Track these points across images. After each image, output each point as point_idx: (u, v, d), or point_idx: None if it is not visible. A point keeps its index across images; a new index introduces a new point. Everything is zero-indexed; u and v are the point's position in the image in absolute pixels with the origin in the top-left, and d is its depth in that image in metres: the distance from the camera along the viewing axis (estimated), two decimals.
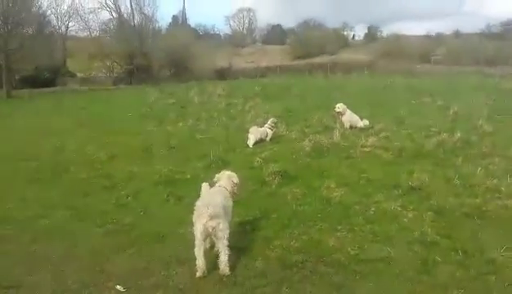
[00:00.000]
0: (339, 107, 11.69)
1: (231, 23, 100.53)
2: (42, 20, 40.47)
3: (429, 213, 5.49)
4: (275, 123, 10.81)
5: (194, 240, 4.24)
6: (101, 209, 6.27)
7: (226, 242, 4.20)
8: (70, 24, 52.77)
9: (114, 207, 6.36)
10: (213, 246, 4.44)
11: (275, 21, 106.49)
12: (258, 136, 10.28)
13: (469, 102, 15.35)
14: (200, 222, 4.18)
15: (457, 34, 73.11)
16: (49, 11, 49.00)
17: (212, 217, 4.15)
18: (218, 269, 4.21)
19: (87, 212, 6.16)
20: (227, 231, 4.24)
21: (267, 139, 10.50)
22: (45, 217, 6.00)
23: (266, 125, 10.71)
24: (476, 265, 4.22)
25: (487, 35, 64.67)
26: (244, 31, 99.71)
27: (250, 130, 10.37)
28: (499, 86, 21.55)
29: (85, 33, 49.62)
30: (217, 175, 5.06)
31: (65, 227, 5.66)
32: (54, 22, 51.30)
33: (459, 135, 9.40)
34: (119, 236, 5.28)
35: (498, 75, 29.76)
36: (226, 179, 4.94)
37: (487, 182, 6.50)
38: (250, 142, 10.09)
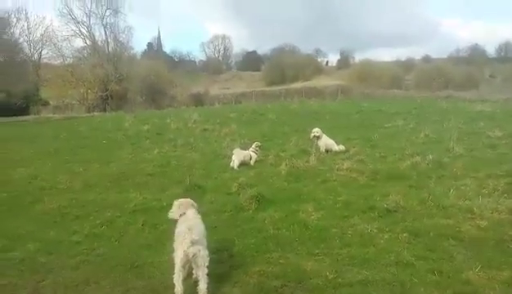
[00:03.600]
0: (317, 131, 11.85)
1: (207, 49, 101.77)
2: (13, 48, 39.99)
3: (405, 235, 5.55)
4: (259, 147, 10.85)
5: (172, 267, 4.16)
6: (74, 240, 6.08)
7: (206, 270, 4.12)
8: (43, 51, 52.38)
9: (86, 237, 6.18)
10: (190, 274, 4.36)
11: (250, 48, 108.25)
12: (242, 158, 10.33)
13: (439, 125, 15.79)
14: (181, 248, 4.10)
15: (427, 59, 75.69)
16: (21, 39, 48.69)
17: (193, 243, 4.08)
18: None
19: (59, 243, 5.97)
20: (207, 259, 4.17)
21: (251, 162, 10.53)
22: (14, 250, 5.77)
23: (250, 149, 10.75)
24: (452, 285, 4.25)
25: (455, 60, 67.22)
26: (220, 58, 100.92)
27: (234, 152, 10.42)
28: (468, 109, 22.27)
29: (58, 61, 49.19)
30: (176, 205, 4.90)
31: (35, 259, 5.45)
32: (26, 49, 50.90)
33: (431, 157, 9.59)
34: (92, 267, 5.12)
35: (467, 99, 30.83)
36: (189, 205, 4.85)
37: (460, 203, 6.64)
38: (235, 164, 10.13)
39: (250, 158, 10.58)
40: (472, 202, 6.63)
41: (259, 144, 10.99)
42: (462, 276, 4.41)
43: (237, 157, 10.28)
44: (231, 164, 10.24)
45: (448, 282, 4.33)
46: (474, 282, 4.26)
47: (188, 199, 4.96)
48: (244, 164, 10.39)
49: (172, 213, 4.81)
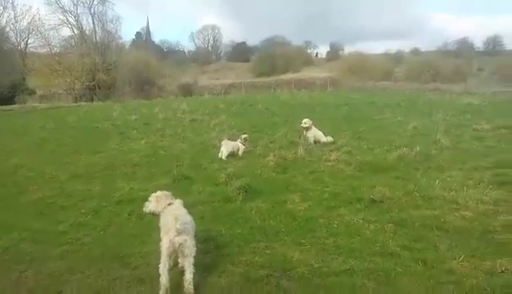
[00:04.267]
0: (306, 122, 11.86)
1: (196, 40, 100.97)
2: (0, 37, 39.30)
3: (390, 225, 5.60)
4: (245, 139, 10.81)
5: (158, 257, 4.15)
6: (59, 229, 6.04)
7: (192, 260, 4.12)
8: (30, 40, 51.66)
9: (72, 226, 6.14)
10: (176, 263, 4.35)
11: (239, 39, 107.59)
12: (230, 149, 10.35)
13: (427, 118, 15.90)
14: (168, 237, 4.08)
15: (416, 52, 76.00)
16: (8, 28, 47.93)
17: (179, 233, 4.07)
18: (182, 287, 4.10)
19: (44, 233, 5.92)
20: (194, 249, 4.16)
21: (239, 153, 10.54)
22: None
23: (238, 140, 10.75)
24: (436, 274, 4.31)
25: (443, 53, 67.53)
26: (209, 48, 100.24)
27: (222, 143, 10.41)
28: (455, 102, 22.47)
29: (45, 50, 48.43)
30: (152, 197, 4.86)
31: (19, 249, 5.41)
32: (13, 38, 50.13)
33: (418, 149, 9.63)
34: (77, 256, 5.09)
35: (455, 92, 31.06)
36: (169, 197, 4.81)
37: (445, 194, 6.70)
38: (223, 155, 10.12)
39: (238, 149, 10.58)
40: (457, 193, 6.71)
41: (246, 136, 10.96)
42: (446, 266, 4.47)
43: (226, 147, 10.27)
44: (220, 155, 10.22)
45: (432, 271, 4.39)
46: (458, 272, 4.32)
47: (165, 191, 4.92)
48: (232, 155, 10.38)
49: (147, 207, 4.77)
